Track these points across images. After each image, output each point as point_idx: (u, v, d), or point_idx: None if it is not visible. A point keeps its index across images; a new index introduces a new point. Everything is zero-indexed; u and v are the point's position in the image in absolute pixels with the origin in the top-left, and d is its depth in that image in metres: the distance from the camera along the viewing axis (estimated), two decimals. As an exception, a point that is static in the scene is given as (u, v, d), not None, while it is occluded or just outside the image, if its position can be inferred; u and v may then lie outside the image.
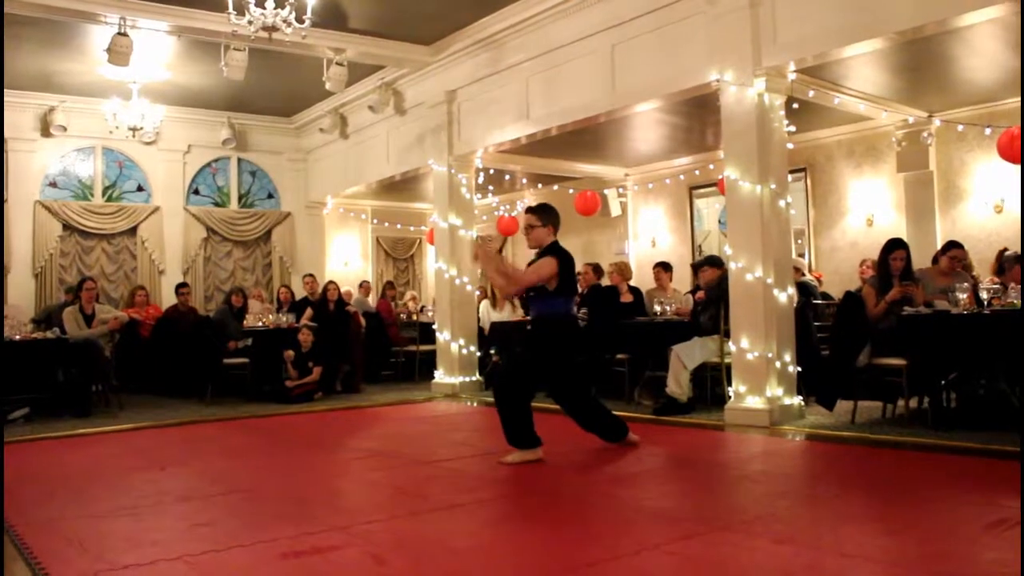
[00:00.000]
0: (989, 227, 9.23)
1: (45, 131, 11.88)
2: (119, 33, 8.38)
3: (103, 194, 12.64)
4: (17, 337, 8.32)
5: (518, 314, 10.64)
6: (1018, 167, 8.55)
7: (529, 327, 5.70)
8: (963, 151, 9.44)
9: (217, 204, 13.60)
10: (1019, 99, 8.75)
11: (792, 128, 7.84)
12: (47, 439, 7.10)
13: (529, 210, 5.68)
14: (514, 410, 5.42)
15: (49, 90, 11.42)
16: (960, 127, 9.23)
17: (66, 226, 12.25)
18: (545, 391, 5.74)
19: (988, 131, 8.79)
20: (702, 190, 12.14)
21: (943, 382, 6.35)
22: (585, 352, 6.13)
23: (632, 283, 9.68)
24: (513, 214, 13.62)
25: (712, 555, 3.38)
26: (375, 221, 15.26)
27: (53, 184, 12.25)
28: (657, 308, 8.58)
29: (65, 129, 11.81)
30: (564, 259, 5.46)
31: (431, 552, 3.55)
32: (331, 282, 11.32)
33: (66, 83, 11.18)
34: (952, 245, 7.32)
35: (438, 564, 3.37)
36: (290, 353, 9.59)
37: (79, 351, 8.65)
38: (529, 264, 5.64)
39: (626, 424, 5.90)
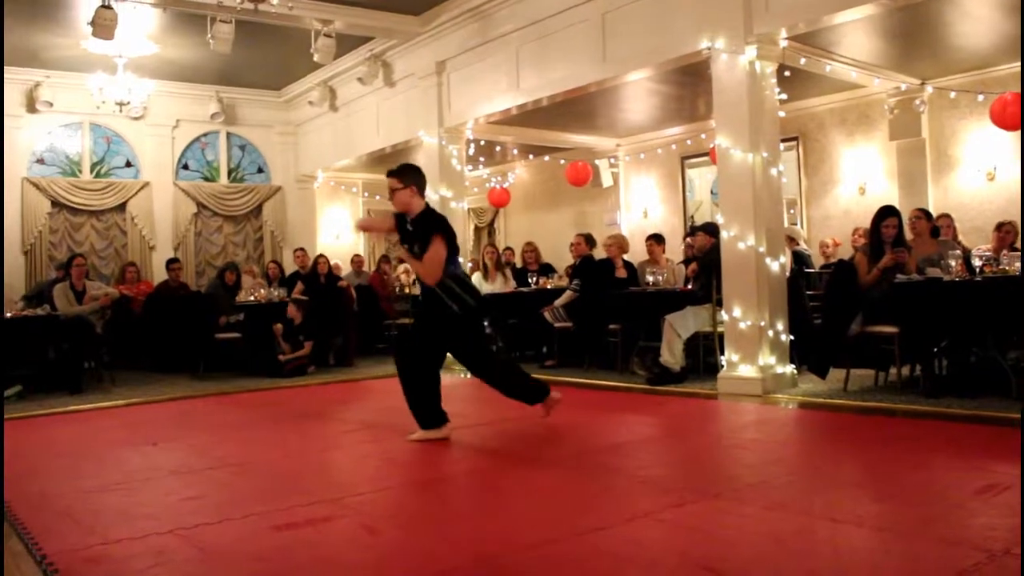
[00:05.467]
0: (981, 195, 9.21)
1: (31, 107, 11.76)
2: (103, 6, 8.26)
3: (91, 170, 12.54)
4: (8, 314, 8.27)
5: (510, 286, 10.62)
6: (1011, 134, 8.54)
7: (420, 296, 5.46)
8: (955, 118, 9.41)
9: (207, 179, 13.52)
10: (1013, 65, 8.72)
11: (784, 96, 7.79)
12: (39, 416, 7.09)
13: (390, 173, 5.43)
14: (417, 389, 5.29)
15: (34, 65, 11.29)
16: (952, 94, 9.19)
17: (55, 203, 12.17)
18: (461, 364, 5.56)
19: (981, 98, 8.75)
20: (694, 160, 12.10)
21: (935, 349, 6.36)
22: (481, 314, 5.83)
23: (627, 256, 9.64)
24: (504, 185, 13.56)
25: (704, 522, 3.39)
26: (366, 194, 15.17)
27: (40, 161, 12.15)
28: (649, 279, 8.56)
29: (51, 105, 11.70)
30: (447, 230, 5.26)
31: (423, 522, 3.55)
32: (321, 255, 11.29)
33: (51, 58, 11.06)
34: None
35: (430, 534, 3.37)
36: (279, 326, 9.58)
37: (70, 328, 8.63)
38: (402, 234, 5.41)
39: (547, 384, 5.64)
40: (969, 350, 6.37)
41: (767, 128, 7.06)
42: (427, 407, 5.31)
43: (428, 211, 5.39)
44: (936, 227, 7.43)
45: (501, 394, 5.58)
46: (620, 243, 9.50)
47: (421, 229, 5.29)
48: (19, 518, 3.70)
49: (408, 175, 5.39)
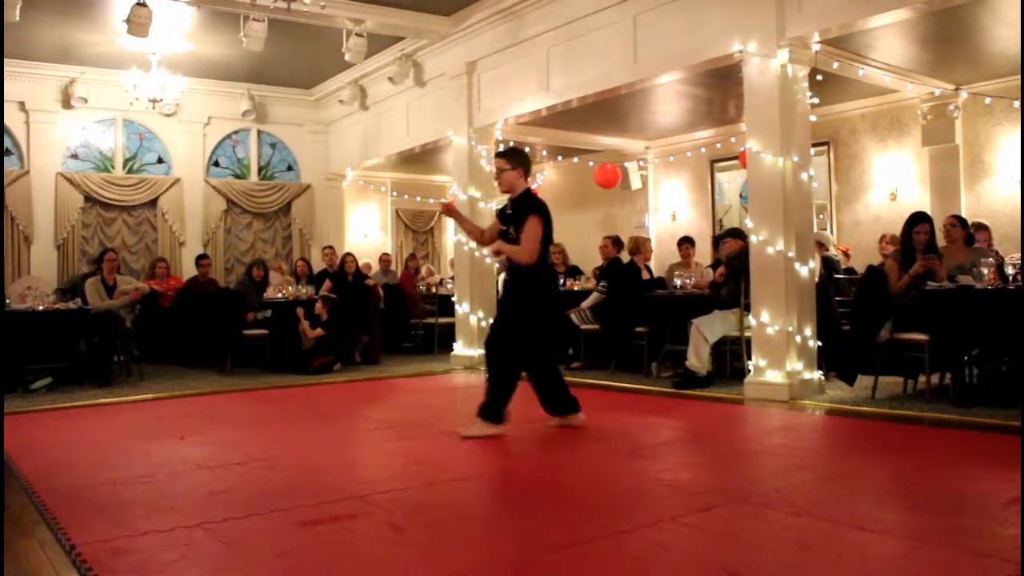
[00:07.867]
0: (1015, 203, 9.07)
1: (66, 103, 11.90)
2: (138, 3, 8.34)
3: (124, 166, 12.67)
4: (40, 307, 8.39)
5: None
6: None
7: (507, 283, 5.51)
8: (990, 125, 9.29)
9: (237, 176, 13.62)
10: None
11: (816, 100, 7.73)
12: (69, 408, 7.16)
13: (498, 155, 5.58)
14: (504, 380, 5.32)
15: (69, 61, 11.43)
16: (987, 100, 9.08)
17: (88, 198, 12.30)
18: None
19: (1016, 104, 8.63)
20: (723, 163, 12.04)
21: (965, 358, 6.29)
22: (555, 310, 5.89)
23: (652, 258, 9.61)
24: (533, 187, 13.55)
25: (729, 527, 3.37)
26: (394, 193, 15.22)
27: (74, 156, 12.29)
28: (677, 282, 8.53)
29: (86, 101, 11.83)
30: (545, 214, 5.32)
31: (448, 521, 3.56)
32: (348, 254, 11.35)
33: (86, 54, 11.19)
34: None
35: (455, 533, 3.38)
36: (300, 310, 9.69)
37: (100, 321, 8.72)
38: (502, 220, 5.49)
39: (578, 403, 5.64)
40: (1000, 359, 6.29)
41: (798, 132, 7.01)
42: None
43: (528, 193, 5.44)
44: (971, 234, 7.34)
45: (535, 393, 5.59)
46: (640, 246, 9.49)
47: (518, 211, 5.35)
48: (48, 508, 3.75)
49: (516, 157, 5.50)
